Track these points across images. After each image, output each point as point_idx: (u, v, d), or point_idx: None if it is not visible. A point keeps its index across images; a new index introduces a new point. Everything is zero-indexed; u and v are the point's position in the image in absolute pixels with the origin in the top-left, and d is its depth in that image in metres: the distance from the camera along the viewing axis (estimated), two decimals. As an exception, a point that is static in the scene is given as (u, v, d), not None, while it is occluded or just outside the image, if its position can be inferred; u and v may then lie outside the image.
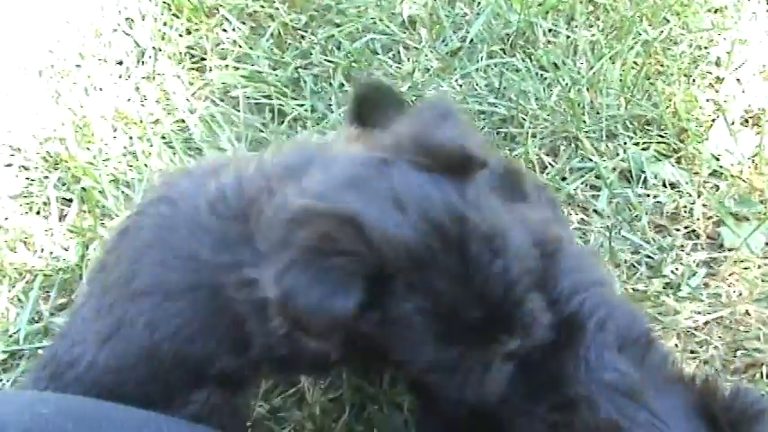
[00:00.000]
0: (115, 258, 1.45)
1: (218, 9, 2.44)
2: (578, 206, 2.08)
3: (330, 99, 2.24)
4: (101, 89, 2.27)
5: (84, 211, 2.02)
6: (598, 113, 2.22)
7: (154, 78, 2.30)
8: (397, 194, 1.08)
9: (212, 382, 1.39)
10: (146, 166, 2.10)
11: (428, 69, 2.33)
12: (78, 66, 2.31)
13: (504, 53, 2.37)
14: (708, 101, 2.27)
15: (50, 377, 1.44)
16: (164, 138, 2.17)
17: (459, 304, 1.06)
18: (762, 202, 2.06)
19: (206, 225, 1.30)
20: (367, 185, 1.11)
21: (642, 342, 1.36)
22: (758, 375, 1.79)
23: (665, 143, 2.17)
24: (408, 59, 2.35)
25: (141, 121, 2.19)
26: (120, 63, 2.34)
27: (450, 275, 1.05)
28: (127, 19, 2.42)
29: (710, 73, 2.34)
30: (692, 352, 1.83)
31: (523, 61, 2.34)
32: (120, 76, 2.31)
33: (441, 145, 1.13)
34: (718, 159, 2.14)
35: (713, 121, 2.22)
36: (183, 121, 2.21)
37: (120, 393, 1.38)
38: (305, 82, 2.27)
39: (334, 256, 1.03)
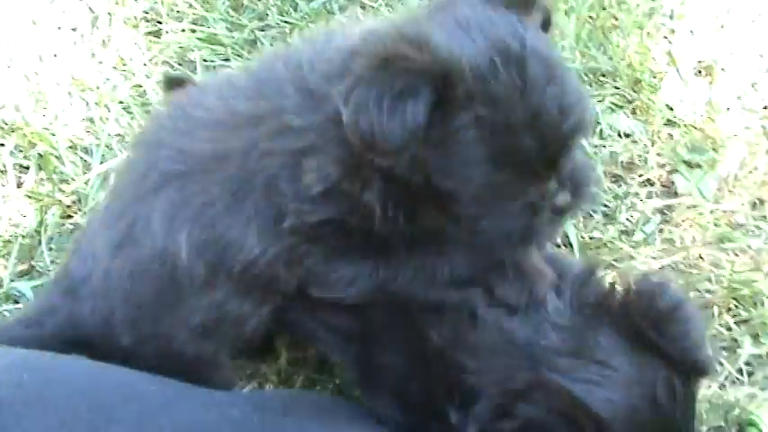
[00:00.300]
0: (127, 169, 1.41)
1: (172, -28, 2.41)
2: (535, 158, 2.09)
3: (288, 60, 2.23)
4: (55, 55, 2.24)
5: (42, 178, 2.01)
6: (554, 67, 2.23)
7: (109, 43, 2.27)
8: (461, 19, 1.11)
9: (230, 282, 1.29)
10: (103, 131, 2.08)
11: (386, 28, 2.32)
12: (31, 32, 2.28)
13: (462, 10, 2.37)
14: (661, 52, 2.30)
15: (64, 293, 1.42)
16: (121, 103, 2.15)
17: (515, 121, 1.07)
18: (714, 149, 2.09)
19: (242, 80, 1.30)
20: (430, 17, 1.15)
21: (572, 280, 1.38)
22: (711, 315, 1.85)
23: (619, 95, 2.19)
24: (366, 19, 2.35)
25: (98, 88, 2.17)
26: (75, 29, 2.31)
27: (509, 87, 1.06)
28: (80, -16, 2.39)
29: (664, 25, 2.36)
30: (646, 296, 1.87)
31: (480, 18, 2.34)
32: (74, 43, 2.28)
33: None
34: (671, 109, 2.17)
35: (667, 72, 2.25)
36: (141, 85, 2.19)
37: (132, 302, 1.34)
38: (262, 43, 2.26)
39: (401, 65, 1.04)
